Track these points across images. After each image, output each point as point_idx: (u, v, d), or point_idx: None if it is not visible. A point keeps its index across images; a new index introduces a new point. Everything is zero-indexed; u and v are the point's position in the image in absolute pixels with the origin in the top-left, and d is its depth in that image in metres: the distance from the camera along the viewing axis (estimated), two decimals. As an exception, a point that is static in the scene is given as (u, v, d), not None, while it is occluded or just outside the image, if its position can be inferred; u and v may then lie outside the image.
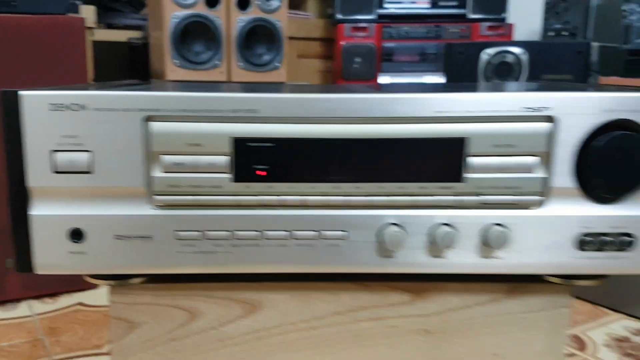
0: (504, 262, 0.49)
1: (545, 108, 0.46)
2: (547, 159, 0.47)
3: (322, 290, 0.53)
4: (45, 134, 0.46)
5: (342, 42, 2.44)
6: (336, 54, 2.50)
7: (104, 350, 1.10)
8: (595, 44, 1.83)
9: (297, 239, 0.49)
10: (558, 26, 2.10)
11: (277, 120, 0.47)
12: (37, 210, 0.47)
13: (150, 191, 0.48)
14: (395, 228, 0.48)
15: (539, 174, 0.47)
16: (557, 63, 1.72)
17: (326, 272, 0.50)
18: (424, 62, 2.47)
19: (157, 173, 0.47)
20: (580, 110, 0.46)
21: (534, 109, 0.46)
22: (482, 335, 0.54)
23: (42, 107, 0.46)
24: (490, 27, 2.43)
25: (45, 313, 1.32)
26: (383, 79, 2.47)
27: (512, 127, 0.47)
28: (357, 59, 2.46)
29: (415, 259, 0.49)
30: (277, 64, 2.13)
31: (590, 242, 0.48)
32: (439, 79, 1.87)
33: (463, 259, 0.49)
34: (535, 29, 2.38)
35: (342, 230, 0.48)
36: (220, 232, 0.48)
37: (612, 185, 0.47)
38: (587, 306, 1.26)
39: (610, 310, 1.23)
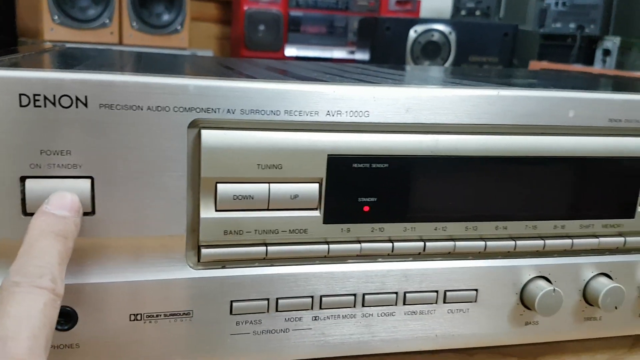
0: (664, 320, 0.37)
1: None
2: None
3: (413, 363, 0.38)
4: (11, 148, 0.25)
5: (246, 7, 2.22)
6: (238, 20, 2.27)
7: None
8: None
9: (409, 303, 0.33)
10: (471, 5, 2.07)
11: (398, 129, 0.30)
12: (-11, 280, 0.27)
13: (194, 241, 0.29)
14: (544, 284, 0.34)
15: None
16: (483, 44, 1.68)
17: (444, 348, 0.35)
18: (331, 35, 2.34)
19: (208, 212, 0.29)
20: None
21: None
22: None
23: (7, 101, 0.25)
24: (399, 2, 2.36)
25: None
26: (290, 51, 2.29)
27: (694, 145, 0.35)
28: (262, 27, 2.26)
29: (562, 324, 0.36)
30: (177, 27, 1.87)
31: None
32: (361, 55, 1.74)
33: (619, 318, 0.37)
34: (444, 7, 2.34)
35: (471, 289, 0.34)
36: (298, 300, 0.31)
37: None
38: None
39: None
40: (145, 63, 0.42)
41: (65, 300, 0.27)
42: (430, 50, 1.64)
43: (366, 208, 0.31)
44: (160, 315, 0.29)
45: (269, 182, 0.29)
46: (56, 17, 1.65)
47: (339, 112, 0.29)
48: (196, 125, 0.28)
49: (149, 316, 0.29)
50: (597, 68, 1.64)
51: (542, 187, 0.33)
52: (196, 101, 0.27)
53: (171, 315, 0.29)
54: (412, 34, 1.63)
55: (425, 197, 0.31)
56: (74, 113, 0.25)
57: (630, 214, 0.35)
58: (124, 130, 0.26)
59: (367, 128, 0.30)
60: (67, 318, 0.28)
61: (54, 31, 1.66)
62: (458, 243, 0.32)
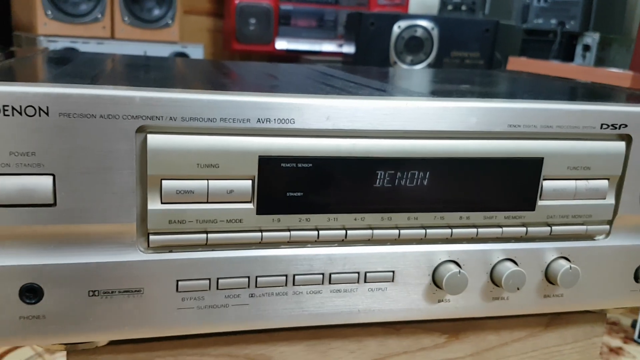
0: (566, 299, 0.43)
1: (625, 125, 0.40)
2: (619, 184, 0.41)
3: (344, 338, 0.43)
4: (-16, 150, 0.30)
5: (237, 0, 2.26)
6: (229, 13, 2.31)
7: None
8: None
9: (334, 283, 0.38)
10: (457, 0, 2.11)
11: (320, 134, 0.35)
12: (-32, 261, 0.32)
13: (144, 229, 0.34)
14: (453, 267, 0.39)
15: (611, 200, 0.41)
16: (465, 40, 1.72)
17: (368, 322, 0.40)
18: (321, 28, 2.38)
19: (155, 205, 0.34)
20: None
21: (613, 126, 0.40)
22: (511, 370, 0.48)
23: (-21, 110, 0.30)
24: (388, -4, 2.39)
25: None
26: (280, 44, 2.33)
27: (588, 146, 0.40)
28: (253, 20, 2.30)
29: (472, 302, 0.41)
30: (168, 21, 1.91)
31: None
32: (348, 49, 1.79)
33: (525, 299, 0.42)
34: (432, 2, 2.38)
35: (389, 271, 0.39)
36: (236, 279, 0.36)
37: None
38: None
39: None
40: (116, 70, 0.47)
41: (33, 278, 0.33)
42: (414, 46, 1.68)
43: (294, 201, 0.36)
44: (115, 292, 0.34)
45: (207, 179, 0.34)
46: (49, 12, 1.69)
47: (268, 120, 0.34)
48: (143, 131, 0.33)
49: (105, 292, 0.34)
50: (575, 65, 1.68)
51: (449, 184, 0.38)
52: (142, 110, 0.32)
53: (125, 292, 0.35)
54: (396, 29, 1.67)
55: (345, 192, 0.36)
56: (37, 121, 0.30)
57: (531, 207, 0.40)
58: (80, 135, 0.31)
59: (293, 133, 0.35)
60: (34, 293, 0.33)
61: (47, 26, 1.70)
62: (375, 231, 0.38)
